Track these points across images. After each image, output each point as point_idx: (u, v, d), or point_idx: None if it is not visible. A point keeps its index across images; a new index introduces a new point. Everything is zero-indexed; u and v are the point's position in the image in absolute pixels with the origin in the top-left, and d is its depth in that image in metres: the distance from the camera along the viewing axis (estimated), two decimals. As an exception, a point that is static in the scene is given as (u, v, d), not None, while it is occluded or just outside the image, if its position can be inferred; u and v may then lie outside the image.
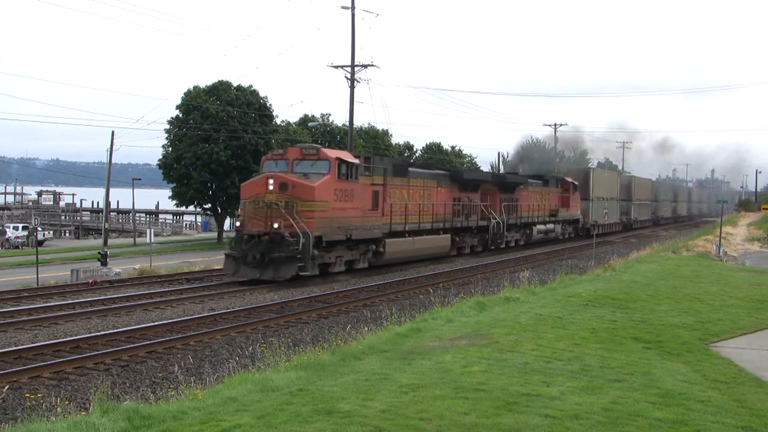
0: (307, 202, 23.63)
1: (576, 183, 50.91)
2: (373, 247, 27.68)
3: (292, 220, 22.95)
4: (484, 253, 37.64)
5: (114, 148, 51.43)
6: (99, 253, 29.56)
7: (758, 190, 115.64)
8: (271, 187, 23.59)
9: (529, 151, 69.17)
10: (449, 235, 33.51)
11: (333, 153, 25.56)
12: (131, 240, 54.89)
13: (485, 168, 79.96)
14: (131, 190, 58.04)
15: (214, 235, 57.58)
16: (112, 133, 51.23)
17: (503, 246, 39.55)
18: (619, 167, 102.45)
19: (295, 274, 23.14)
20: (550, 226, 46.86)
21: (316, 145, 26.45)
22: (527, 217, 42.99)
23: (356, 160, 26.07)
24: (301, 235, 22.90)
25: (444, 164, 45.51)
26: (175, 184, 49.78)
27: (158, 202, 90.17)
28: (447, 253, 34.03)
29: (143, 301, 19.65)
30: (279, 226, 22.97)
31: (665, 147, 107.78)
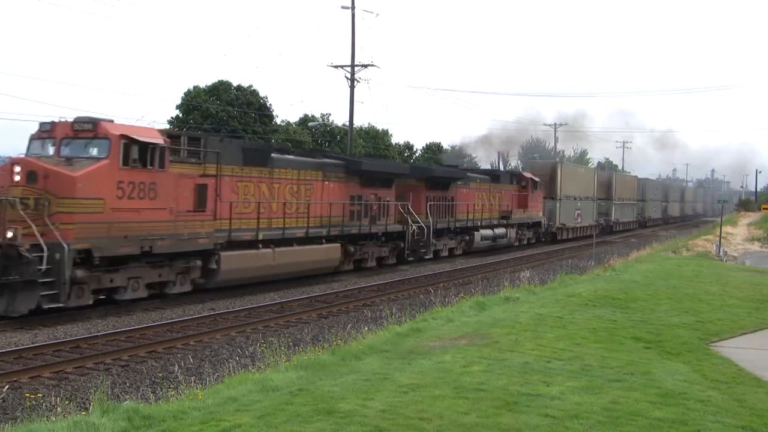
0: (64, 199, 16.12)
1: (537, 179, 43.24)
2: (199, 263, 19.70)
3: (34, 226, 15.61)
4: (402, 267, 29.60)
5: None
6: None
7: (758, 189, 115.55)
8: (16, 178, 16.02)
9: (509, 146, 66.70)
10: (339, 245, 25.31)
11: (118, 128, 17.49)
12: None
13: (485, 168, 78.28)
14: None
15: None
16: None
17: (429, 256, 31.48)
18: (619, 167, 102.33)
19: (37, 306, 15.70)
20: (501, 230, 38.79)
21: (95, 118, 17.88)
22: (467, 219, 35.10)
23: (160, 140, 18.21)
24: (46, 248, 15.51)
25: (341, 154, 35.20)
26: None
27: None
28: (336, 267, 25.63)
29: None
30: (14, 236, 15.46)
31: (665, 143, 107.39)
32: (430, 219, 31.14)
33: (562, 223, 47.90)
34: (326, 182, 25.01)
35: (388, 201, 28.71)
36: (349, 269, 26.71)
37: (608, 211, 60.38)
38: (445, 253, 33.95)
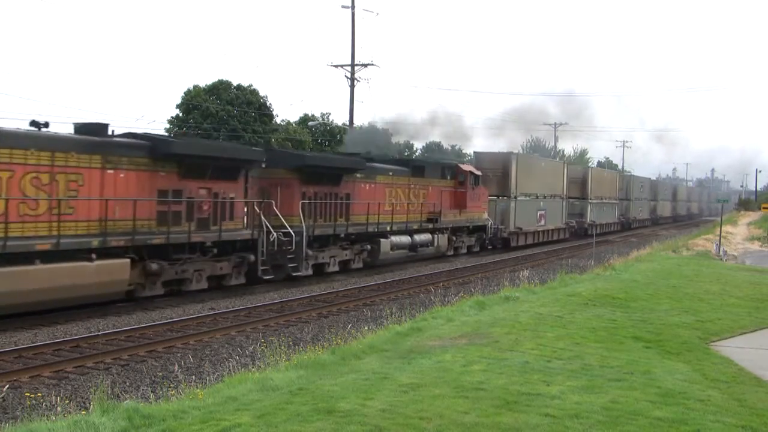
0: None
1: (478, 173, 35.77)
2: None
3: None
4: (251, 293, 21.59)
5: (114, 147, 51.27)
6: None
7: (758, 189, 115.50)
8: None
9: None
10: (127, 261, 17.63)
11: None
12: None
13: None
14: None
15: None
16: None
17: (303, 272, 23.50)
18: (619, 167, 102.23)
19: None
20: (424, 236, 30.91)
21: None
22: (369, 223, 26.87)
23: None
24: None
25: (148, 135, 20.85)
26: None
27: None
28: (129, 292, 18.28)
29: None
30: None
31: (666, 140, 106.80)
32: (303, 223, 23.26)
33: (517, 226, 40.36)
34: (109, 171, 17.53)
35: (231, 198, 20.99)
36: (157, 294, 19.04)
37: (583, 211, 54.10)
38: (335, 268, 25.84)
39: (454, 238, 34.27)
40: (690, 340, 12.33)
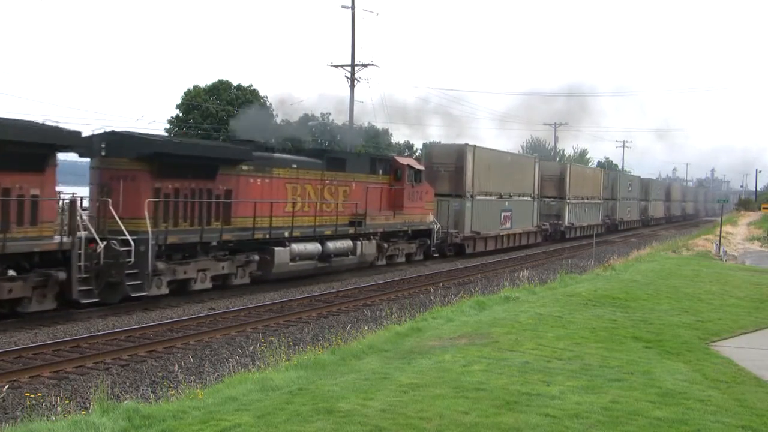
0: None
1: (419, 168, 30.22)
2: None
3: None
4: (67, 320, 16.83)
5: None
6: None
7: (758, 189, 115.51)
8: None
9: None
10: None
11: None
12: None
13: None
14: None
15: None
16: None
17: (156, 290, 18.64)
18: (619, 167, 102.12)
19: None
20: (343, 243, 25.34)
21: None
22: (257, 228, 21.41)
23: None
24: None
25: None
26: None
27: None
28: None
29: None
30: None
31: (667, 138, 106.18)
32: (150, 228, 17.93)
33: (474, 230, 34.96)
34: None
35: (34, 196, 16.07)
36: None
37: (560, 212, 48.88)
38: (206, 284, 20.23)
39: (386, 245, 28.33)
40: (690, 340, 12.33)
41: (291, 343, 14.54)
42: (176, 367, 12.63)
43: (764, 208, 56.39)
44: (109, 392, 10.42)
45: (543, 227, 45.17)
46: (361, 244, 26.44)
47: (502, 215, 38.39)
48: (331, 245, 24.77)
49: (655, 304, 16.12)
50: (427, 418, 7.59)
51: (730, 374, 9.99)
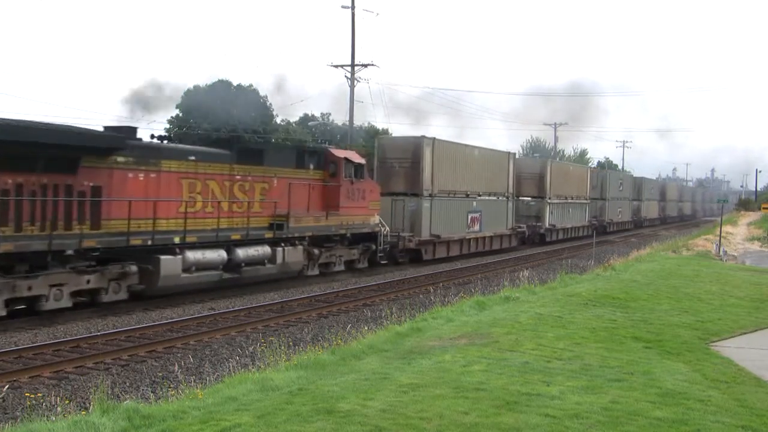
0: None
1: (359, 161, 26.25)
2: None
3: None
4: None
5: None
6: None
7: (758, 189, 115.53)
8: None
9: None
10: None
11: None
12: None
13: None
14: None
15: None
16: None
17: None
18: (620, 167, 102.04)
19: None
20: (257, 250, 21.62)
21: None
22: (132, 233, 17.77)
23: None
24: None
25: None
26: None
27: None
28: None
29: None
30: None
31: (668, 138, 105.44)
32: None
33: (434, 233, 31.19)
34: None
35: None
36: None
37: (541, 212, 45.18)
38: (63, 303, 16.61)
39: (317, 252, 24.48)
40: (690, 340, 12.33)
41: (291, 343, 14.54)
42: (176, 367, 12.63)
43: (764, 208, 56.41)
44: (109, 392, 10.43)
45: (519, 230, 41.33)
46: (283, 250, 22.44)
47: (469, 217, 34.51)
48: (241, 252, 20.79)
49: (655, 304, 16.12)
50: (427, 418, 7.59)
51: (730, 374, 9.99)
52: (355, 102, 41.88)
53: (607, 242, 48.92)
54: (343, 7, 40.78)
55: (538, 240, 44.99)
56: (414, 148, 30.91)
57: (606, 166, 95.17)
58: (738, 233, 52.37)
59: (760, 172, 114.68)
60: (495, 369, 9.76)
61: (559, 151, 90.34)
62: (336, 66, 42.12)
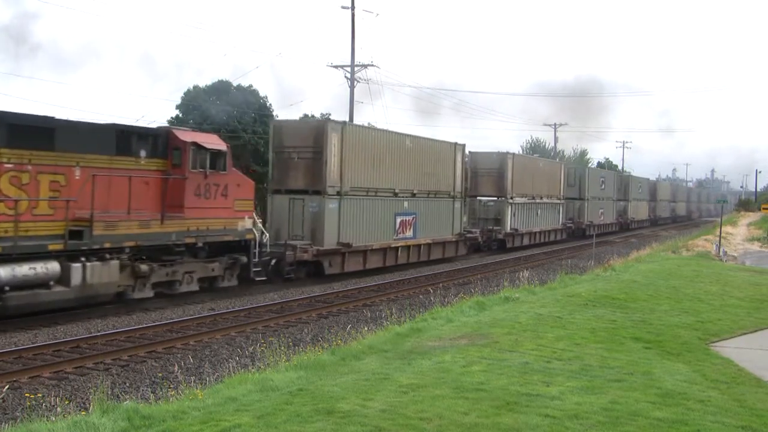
0: None
1: (219, 148, 20.31)
2: None
3: None
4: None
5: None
6: None
7: (758, 189, 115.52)
8: None
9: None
10: None
11: None
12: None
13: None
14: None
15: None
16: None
17: None
18: (619, 167, 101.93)
19: None
20: (36, 267, 15.51)
21: None
22: None
23: None
24: None
25: None
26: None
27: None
28: None
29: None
30: None
31: (671, 138, 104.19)
32: None
33: (343, 241, 24.93)
34: None
35: None
36: None
37: (500, 215, 39.24)
38: None
39: (147, 268, 18.32)
40: (690, 340, 12.33)
41: (291, 344, 14.54)
42: (176, 368, 12.63)
43: (764, 209, 56.40)
44: (109, 393, 10.43)
45: (470, 235, 35.05)
46: (83, 267, 16.47)
47: (398, 220, 28.49)
48: (2, 272, 14.91)
49: (655, 305, 16.12)
50: (427, 418, 7.59)
51: (730, 375, 9.99)
52: (355, 102, 41.83)
53: (607, 242, 48.86)
54: (343, 7, 40.77)
55: (497, 247, 38.70)
56: (316, 134, 24.56)
57: (606, 166, 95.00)
58: (738, 234, 52.38)
59: (760, 172, 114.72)
60: (495, 369, 9.76)
61: (559, 151, 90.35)
62: (336, 66, 42.12)
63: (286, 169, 25.06)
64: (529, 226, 42.52)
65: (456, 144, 34.30)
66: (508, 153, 41.14)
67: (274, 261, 22.71)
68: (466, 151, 36.75)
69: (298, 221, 24.57)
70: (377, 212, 27.38)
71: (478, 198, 39.42)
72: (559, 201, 48.18)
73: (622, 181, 66.73)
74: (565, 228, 49.37)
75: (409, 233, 29.56)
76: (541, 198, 44.71)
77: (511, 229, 39.90)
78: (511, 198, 39.99)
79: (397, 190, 28.74)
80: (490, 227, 38.48)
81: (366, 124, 47.73)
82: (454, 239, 33.17)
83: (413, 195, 29.96)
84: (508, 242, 39.72)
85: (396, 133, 30.61)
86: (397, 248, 28.63)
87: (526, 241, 42.18)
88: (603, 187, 58.76)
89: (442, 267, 30.40)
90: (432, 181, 31.51)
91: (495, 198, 39.70)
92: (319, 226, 24.36)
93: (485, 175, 40.00)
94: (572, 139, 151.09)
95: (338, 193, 25.08)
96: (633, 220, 67.55)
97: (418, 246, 30.28)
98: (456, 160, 33.78)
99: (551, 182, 47.02)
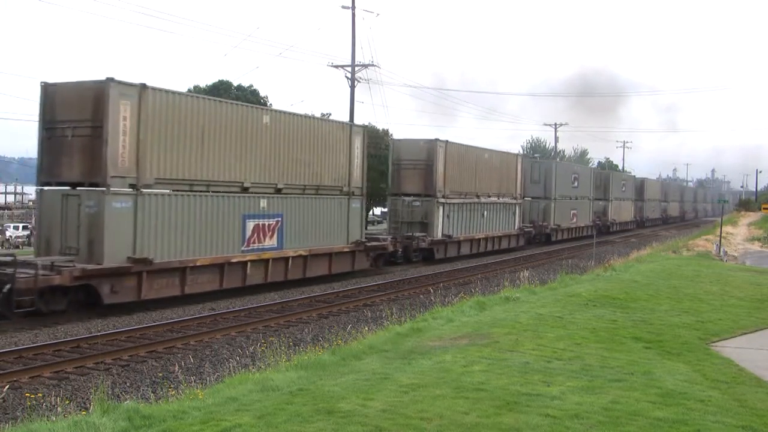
0: None
1: None
2: None
3: None
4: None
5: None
6: None
7: (758, 189, 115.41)
8: None
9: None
10: None
11: None
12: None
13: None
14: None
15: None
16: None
17: None
18: (619, 167, 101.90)
19: None
20: None
21: None
22: None
23: None
24: None
25: None
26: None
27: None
28: None
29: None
30: None
31: (668, 135, 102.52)
32: None
33: (142, 256, 18.10)
34: None
35: None
36: None
37: (428, 217, 31.86)
38: None
39: None
40: (690, 340, 12.33)
41: (291, 344, 14.54)
42: (176, 368, 12.64)
43: (764, 209, 56.39)
44: (110, 392, 10.43)
45: (370, 245, 27.22)
46: None
47: (250, 225, 21.54)
48: None
49: (656, 305, 16.12)
50: (427, 418, 7.59)
51: (731, 374, 9.99)
52: (355, 102, 41.79)
53: (608, 242, 48.83)
54: (343, 7, 40.76)
55: (422, 257, 31.58)
56: (95, 102, 17.72)
57: (606, 166, 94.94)
58: (738, 233, 52.39)
59: (760, 172, 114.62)
60: (495, 369, 9.76)
61: (560, 151, 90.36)
62: (336, 66, 42.11)
63: (58, 153, 18.38)
64: (470, 231, 35.18)
65: (352, 125, 27.40)
66: (438, 140, 32.95)
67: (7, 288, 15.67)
68: (394, 138, 32.76)
69: (72, 227, 17.89)
70: (210, 214, 20.20)
71: (401, 197, 32.44)
72: (514, 201, 40.67)
73: (601, 179, 59.83)
74: (522, 233, 41.63)
75: (271, 242, 22.45)
76: (489, 197, 37.39)
77: (442, 235, 32.49)
78: (443, 197, 32.66)
79: (247, 184, 21.52)
80: (410, 233, 31.08)
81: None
82: (348, 249, 26.01)
83: (278, 191, 22.87)
84: (438, 251, 32.44)
85: (246, 105, 23.22)
86: (245, 263, 21.33)
87: (465, 250, 34.84)
88: (576, 184, 51.46)
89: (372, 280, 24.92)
90: (310, 172, 24.22)
91: (422, 197, 32.32)
92: (97, 234, 17.49)
93: (409, 168, 32.47)
94: (574, 139, 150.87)
95: (133, 187, 18.04)
96: (615, 222, 60.57)
97: (285, 259, 23.00)
98: (352, 145, 26.38)
99: (504, 178, 39.44)
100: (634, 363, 10.34)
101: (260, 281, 22.16)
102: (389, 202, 32.73)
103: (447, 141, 33.77)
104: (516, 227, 40.95)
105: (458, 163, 34.23)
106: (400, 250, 30.08)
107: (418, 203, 32.30)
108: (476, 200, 36.03)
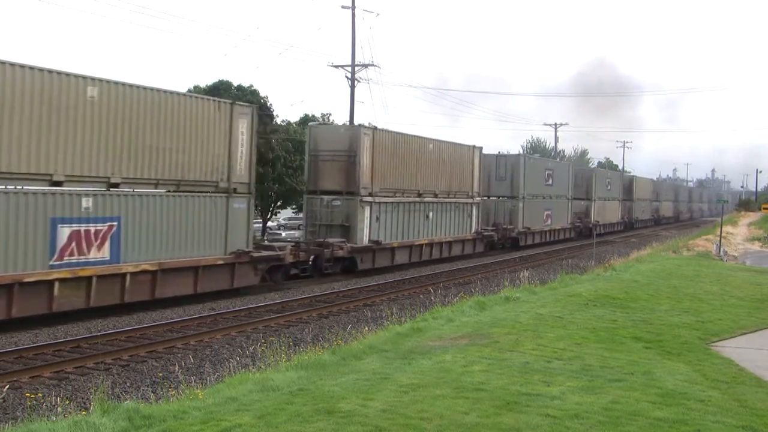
0: None
1: None
2: None
3: None
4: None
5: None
6: None
7: (758, 189, 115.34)
8: None
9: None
10: None
11: None
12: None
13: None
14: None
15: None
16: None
17: None
18: (620, 167, 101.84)
19: None
20: None
21: None
22: None
23: None
24: None
25: None
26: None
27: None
28: None
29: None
30: None
31: (668, 135, 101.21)
32: None
33: None
34: None
35: None
36: None
37: (351, 220, 26.46)
38: None
39: None
40: (690, 340, 12.33)
41: (291, 344, 14.54)
42: (177, 368, 12.64)
43: (764, 209, 56.37)
44: (110, 392, 10.43)
45: (258, 255, 21.65)
46: None
47: (65, 233, 16.23)
48: None
49: (656, 305, 16.12)
50: (427, 418, 7.59)
51: (731, 374, 9.99)
52: (356, 102, 41.76)
53: (607, 242, 48.81)
54: (343, 7, 40.76)
55: (339, 268, 25.79)
56: None
57: (606, 166, 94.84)
58: (738, 233, 52.39)
59: (760, 172, 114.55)
60: (495, 369, 9.76)
61: (560, 151, 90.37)
62: (336, 66, 42.12)
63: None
64: (408, 236, 29.56)
65: (233, 104, 21.44)
66: (363, 126, 28.63)
67: None
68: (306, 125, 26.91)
69: None
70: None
71: (319, 195, 27.15)
72: (470, 200, 35.04)
73: (582, 176, 54.43)
74: (481, 238, 35.89)
75: (100, 254, 17.10)
76: (436, 196, 31.66)
77: (369, 241, 27.00)
78: (370, 195, 27.10)
79: (58, 177, 16.30)
80: (334, 239, 25.82)
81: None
82: (224, 261, 20.62)
83: (112, 186, 17.56)
84: (362, 261, 26.76)
85: (57, 72, 16.33)
86: (52, 282, 15.97)
87: (401, 259, 29.16)
88: (550, 182, 45.76)
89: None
90: (168, 162, 19.01)
91: (343, 195, 26.80)
92: None
93: (329, 160, 27.17)
94: (574, 139, 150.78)
95: None
96: (597, 224, 53.31)
97: (122, 276, 17.59)
98: (235, 130, 21.05)
99: (457, 174, 33.83)
100: (634, 363, 10.34)
101: (81, 305, 16.76)
102: (305, 202, 27.29)
103: (375, 128, 28.71)
104: (472, 231, 35.09)
105: (392, 154, 28.51)
106: (310, 260, 24.62)
107: (338, 203, 26.80)
108: (417, 199, 30.22)
